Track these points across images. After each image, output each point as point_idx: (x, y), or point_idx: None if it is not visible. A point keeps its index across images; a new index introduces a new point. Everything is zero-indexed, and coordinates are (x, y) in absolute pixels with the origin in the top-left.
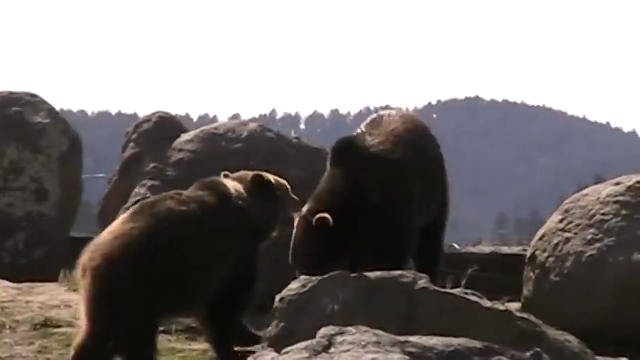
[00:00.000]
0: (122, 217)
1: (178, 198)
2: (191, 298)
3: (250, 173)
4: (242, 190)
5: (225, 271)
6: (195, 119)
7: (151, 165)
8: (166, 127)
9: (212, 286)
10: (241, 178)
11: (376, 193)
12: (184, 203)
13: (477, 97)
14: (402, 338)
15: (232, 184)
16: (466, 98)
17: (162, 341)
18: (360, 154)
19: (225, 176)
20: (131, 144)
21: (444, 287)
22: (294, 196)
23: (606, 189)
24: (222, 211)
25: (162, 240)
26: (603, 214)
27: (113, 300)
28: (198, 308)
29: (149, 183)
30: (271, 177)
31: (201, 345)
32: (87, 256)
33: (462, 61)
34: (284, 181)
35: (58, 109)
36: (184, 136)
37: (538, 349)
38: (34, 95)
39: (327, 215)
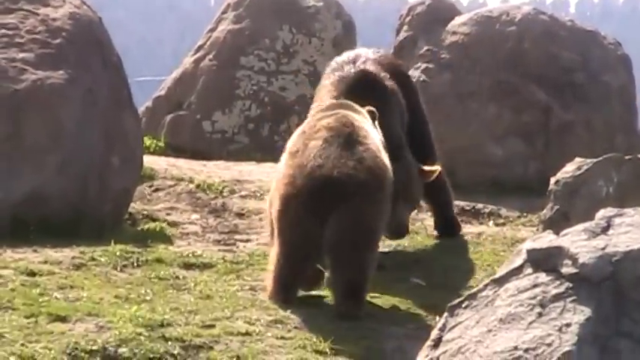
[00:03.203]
0: (335, 135)
1: (357, 125)
2: None
3: (360, 109)
4: None
5: None
6: (465, 4)
7: (425, 48)
8: (440, 9)
9: None
10: (354, 109)
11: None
12: (363, 130)
13: None
14: None
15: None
16: None
17: None
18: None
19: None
20: (405, 27)
21: None
22: None
23: None
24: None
25: (385, 167)
26: None
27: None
28: None
29: (423, 66)
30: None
31: None
32: (323, 177)
33: None
34: None
35: None
36: (458, 19)
37: None
38: None
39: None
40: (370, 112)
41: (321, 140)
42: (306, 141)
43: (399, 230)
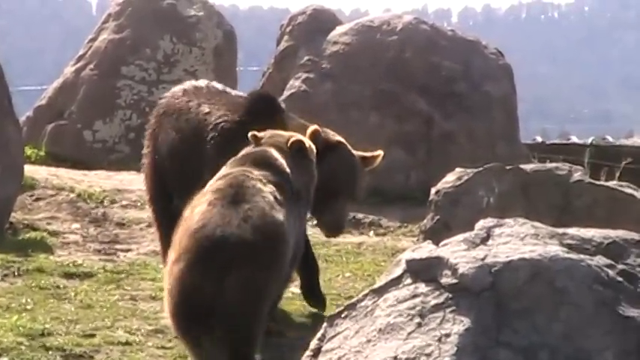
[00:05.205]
0: (220, 197)
1: (258, 179)
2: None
3: (286, 135)
4: (286, 163)
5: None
6: (347, 13)
7: (306, 58)
8: (321, 19)
9: None
10: (277, 145)
11: None
12: (266, 185)
13: None
14: (559, 230)
15: (280, 157)
16: None
17: None
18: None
19: (256, 139)
20: (286, 37)
21: (599, 180)
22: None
23: None
24: (287, 194)
25: (274, 224)
26: None
27: (248, 288)
28: None
29: (304, 76)
30: (306, 142)
31: None
32: (205, 238)
33: None
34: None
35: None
36: (339, 29)
37: None
38: None
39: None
40: (295, 143)
41: (205, 204)
42: (193, 207)
43: (336, 226)
